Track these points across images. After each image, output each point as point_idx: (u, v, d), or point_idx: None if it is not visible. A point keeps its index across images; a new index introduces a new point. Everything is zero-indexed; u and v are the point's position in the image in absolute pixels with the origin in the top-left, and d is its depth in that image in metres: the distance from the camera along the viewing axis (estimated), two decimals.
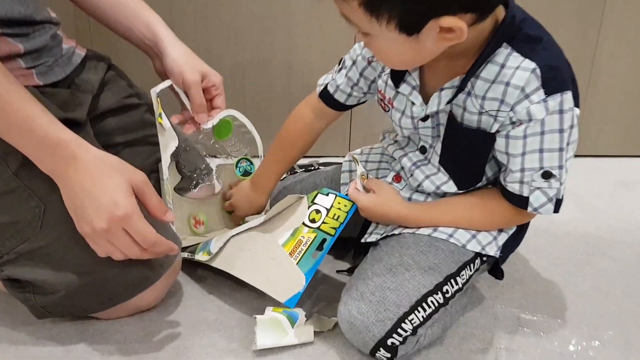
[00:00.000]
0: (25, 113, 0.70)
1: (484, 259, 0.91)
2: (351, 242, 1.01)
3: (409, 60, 0.78)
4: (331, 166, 1.16)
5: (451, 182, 0.89)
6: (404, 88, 0.86)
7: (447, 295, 0.85)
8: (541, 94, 0.75)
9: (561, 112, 0.77)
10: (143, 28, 0.96)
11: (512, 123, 0.78)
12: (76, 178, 0.71)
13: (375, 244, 0.92)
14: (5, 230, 0.78)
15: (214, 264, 0.97)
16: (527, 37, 0.77)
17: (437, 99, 0.83)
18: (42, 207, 0.77)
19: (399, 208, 0.89)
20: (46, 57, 0.87)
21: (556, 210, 0.84)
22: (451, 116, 0.83)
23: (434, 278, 0.84)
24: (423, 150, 0.91)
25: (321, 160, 1.52)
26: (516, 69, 0.75)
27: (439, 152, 0.88)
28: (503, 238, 0.91)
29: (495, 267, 0.95)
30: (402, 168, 0.95)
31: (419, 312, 0.82)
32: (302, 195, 0.96)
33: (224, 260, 0.95)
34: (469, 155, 0.86)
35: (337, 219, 0.91)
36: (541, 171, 0.81)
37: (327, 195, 0.93)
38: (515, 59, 0.76)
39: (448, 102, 0.82)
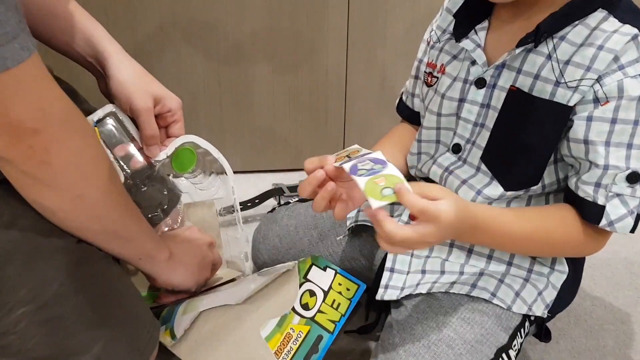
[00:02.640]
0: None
1: (532, 318, 0.80)
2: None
3: None
4: None
5: (495, 183, 0.76)
6: (466, 43, 0.77)
7: None
8: (639, 68, 0.65)
9: None
10: (83, 43, 0.82)
11: (596, 100, 0.67)
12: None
13: (397, 302, 0.81)
14: None
15: (179, 355, 0.77)
16: (629, 5, 0.68)
17: (507, 54, 0.72)
18: None
19: (465, 220, 0.65)
20: None
21: (634, 227, 0.70)
22: (513, 92, 0.73)
23: (483, 355, 0.74)
24: (456, 149, 0.80)
25: None
26: (613, 32, 0.66)
27: (482, 144, 0.76)
28: (551, 294, 0.79)
29: (539, 328, 0.84)
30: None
31: None
32: (292, 265, 0.75)
33: (190, 352, 0.77)
34: (530, 141, 0.73)
35: (337, 308, 0.71)
36: (627, 172, 0.68)
37: (325, 270, 0.73)
38: (612, 23, 0.67)
39: (521, 51, 0.71)
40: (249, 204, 1.29)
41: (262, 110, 1.42)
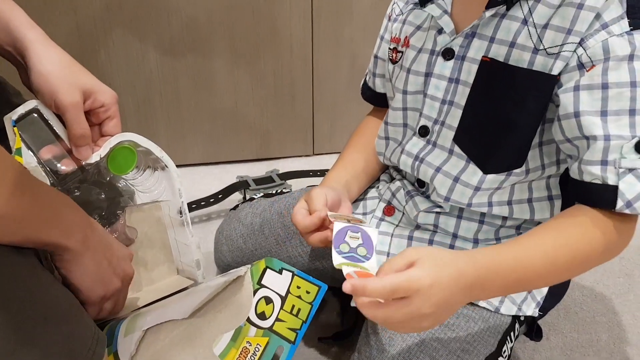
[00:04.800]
0: None
1: (522, 319, 0.75)
2: (336, 294, 0.84)
3: None
4: (299, 190, 0.96)
5: (472, 167, 0.69)
6: (432, 8, 0.71)
7: None
8: (624, 25, 0.59)
9: None
10: (0, 29, 0.76)
11: (581, 66, 0.61)
12: None
13: None
14: None
15: None
16: None
17: (478, 20, 0.66)
18: None
19: (466, 278, 0.54)
20: None
21: None
22: (487, 62, 0.66)
23: None
24: (423, 131, 0.74)
25: (281, 165, 1.28)
26: None
27: (454, 124, 0.70)
28: (541, 291, 0.74)
29: (530, 326, 0.79)
30: (399, 188, 0.78)
31: None
32: (243, 270, 0.67)
33: None
34: (510, 117, 0.66)
35: (297, 315, 0.63)
36: (635, 141, 0.58)
37: (281, 272, 0.64)
38: None
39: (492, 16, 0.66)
40: (211, 200, 1.19)
41: (222, 96, 1.32)
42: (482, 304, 0.70)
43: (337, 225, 0.64)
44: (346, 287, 0.50)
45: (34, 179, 0.60)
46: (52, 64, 0.73)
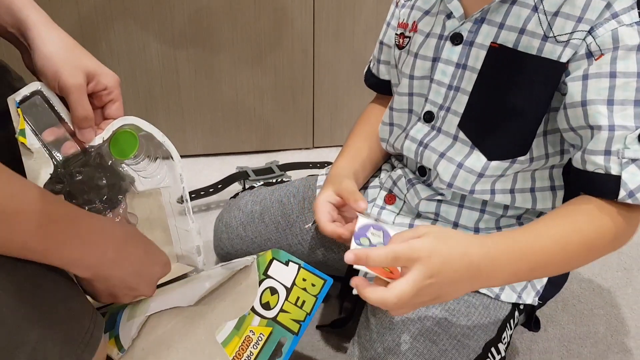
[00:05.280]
0: None
1: (521, 307, 0.75)
2: (335, 281, 0.80)
3: None
4: (300, 179, 0.95)
5: (476, 153, 0.69)
6: None
7: None
8: (635, 15, 0.60)
9: None
10: (3, 11, 0.74)
11: (590, 54, 0.61)
12: None
13: None
14: None
15: None
16: None
17: (488, 6, 0.66)
18: None
19: (471, 256, 0.54)
20: None
21: None
22: (495, 49, 0.66)
23: (471, 351, 0.67)
24: (428, 117, 0.73)
25: (282, 157, 1.27)
26: None
27: (459, 110, 0.70)
28: (541, 280, 0.74)
29: (529, 316, 0.79)
30: (400, 177, 0.78)
31: None
32: (250, 260, 0.66)
33: None
34: (517, 104, 0.66)
35: (302, 307, 0.63)
36: (638, 131, 0.59)
37: (287, 264, 0.64)
38: None
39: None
40: (211, 190, 1.19)
41: (223, 88, 1.32)
42: (483, 290, 0.70)
43: (361, 220, 0.64)
44: (349, 257, 0.50)
45: (62, 206, 0.62)
46: (56, 46, 0.73)
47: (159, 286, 0.75)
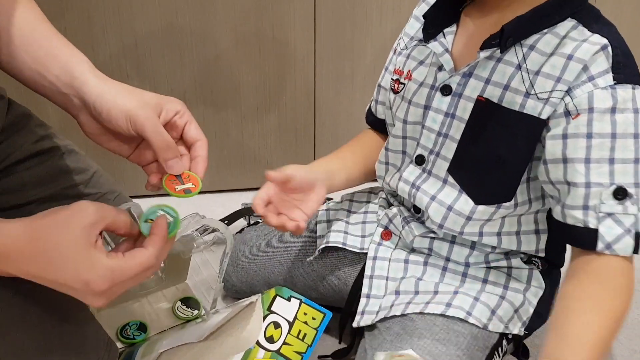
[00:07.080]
0: None
1: (509, 336, 0.78)
2: (336, 312, 0.84)
3: None
4: None
5: (464, 196, 0.74)
6: (434, 46, 0.75)
7: None
8: (609, 79, 0.63)
9: (637, 111, 0.63)
10: (58, 72, 0.70)
11: (567, 113, 0.65)
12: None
13: (371, 325, 0.78)
14: None
15: None
16: (598, 16, 0.67)
17: (473, 62, 0.71)
18: None
19: None
20: None
21: (637, 248, 0.64)
22: (481, 102, 0.70)
23: None
24: (420, 160, 0.78)
25: None
26: (582, 41, 0.65)
27: (448, 155, 0.74)
28: (527, 311, 0.78)
29: (517, 346, 0.82)
30: (395, 215, 0.82)
31: None
32: (255, 297, 0.72)
33: None
34: (502, 154, 0.70)
35: (303, 339, 0.68)
36: (612, 188, 0.63)
37: (289, 300, 0.69)
38: (581, 32, 0.66)
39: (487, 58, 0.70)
40: None
41: (230, 128, 1.38)
42: (471, 320, 0.74)
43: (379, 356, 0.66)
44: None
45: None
46: (117, 90, 0.70)
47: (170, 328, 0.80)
